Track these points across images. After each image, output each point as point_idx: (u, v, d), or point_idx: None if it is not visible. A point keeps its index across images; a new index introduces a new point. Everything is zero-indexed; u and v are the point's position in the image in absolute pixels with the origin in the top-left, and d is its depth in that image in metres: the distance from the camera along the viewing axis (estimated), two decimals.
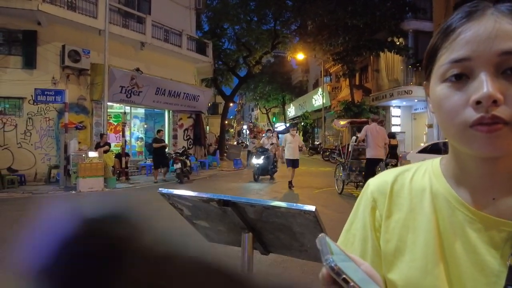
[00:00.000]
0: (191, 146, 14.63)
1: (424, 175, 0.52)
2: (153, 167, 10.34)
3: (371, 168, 6.57)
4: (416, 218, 0.49)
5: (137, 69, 11.24)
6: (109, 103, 10.25)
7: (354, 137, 7.62)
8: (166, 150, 10.35)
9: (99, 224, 0.12)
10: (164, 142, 10.27)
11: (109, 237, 0.13)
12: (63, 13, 9.82)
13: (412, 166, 0.55)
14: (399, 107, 15.23)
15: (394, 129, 14.73)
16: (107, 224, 0.12)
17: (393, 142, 9.92)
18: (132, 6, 12.48)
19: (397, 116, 15.35)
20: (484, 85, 0.39)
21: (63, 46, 10.00)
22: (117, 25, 11.26)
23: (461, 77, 0.42)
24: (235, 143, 24.33)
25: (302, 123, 26.35)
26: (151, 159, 12.64)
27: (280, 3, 17.96)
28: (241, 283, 0.13)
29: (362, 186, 6.04)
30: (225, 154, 18.96)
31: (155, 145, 9.86)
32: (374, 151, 6.57)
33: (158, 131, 10.57)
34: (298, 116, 28.19)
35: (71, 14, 10.03)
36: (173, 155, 10.01)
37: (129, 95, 11.37)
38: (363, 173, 7.05)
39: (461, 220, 0.46)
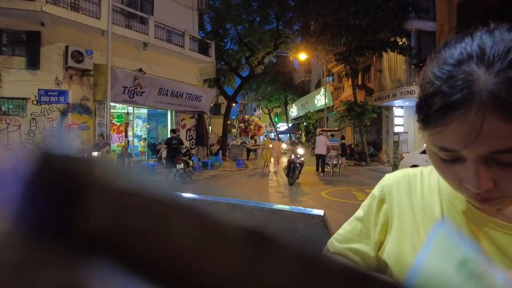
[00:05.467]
0: (194, 146, 14.65)
1: (435, 177, 0.54)
2: (163, 166, 10.24)
3: (320, 159, 11.70)
4: (425, 215, 0.51)
5: (140, 70, 11.26)
6: (112, 104, 10.28)
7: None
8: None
9: (57, 160, 0.12)
10: (178, 141, 9.96)
11: (69, 173, 0.13)
12: (66, 14, 9.86)
13: (426, 167, 0.57)
14: (402, 107, 15.17)
15: (396, 129, 14.69)
16: (65, 160, 0.12)
17: (342, 141, 15.88)
18: (135, 7, 12.51)
19: (400, 116, 15.30)
20: (474, 180, 0.39)
21: (66, 47, 10.04)
22: (120, 25, 11.29)
23: (453, 159, 0.41)
24: (239, 143, 24.33)
25: (305, 123, 26.31)
26: (154, 159, 12.67)
27: (282, 3, 17.94)
28: (204, 220, 0.13)
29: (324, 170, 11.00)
30: (228, 154, 18.97)
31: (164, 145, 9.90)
32: (320, 150, 11.63)
33: (172, 130, 10.57)
34: (301, 116, 28.16)
35: (74, 15, 10.07)
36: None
37: (132, 96, 11.39)
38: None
39: (467, 221, 0.47)
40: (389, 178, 0.58)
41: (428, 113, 0.39)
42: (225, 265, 0.12)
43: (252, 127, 31.79)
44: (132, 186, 0.13)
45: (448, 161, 0.41)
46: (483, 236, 0.46)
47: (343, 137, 15.65)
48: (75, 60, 10.13)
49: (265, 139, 16.96)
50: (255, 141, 25.77)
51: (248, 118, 34.45)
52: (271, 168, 13.18)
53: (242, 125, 32.89)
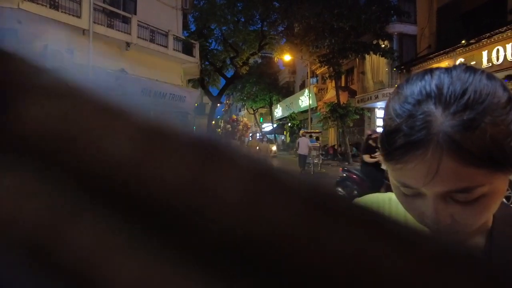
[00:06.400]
0: None
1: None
2: None
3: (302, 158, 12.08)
4: None
5: (122, 70, 11.09)
6: None
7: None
8: None
9: None
10: None
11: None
12: (45, 12, 9.60)
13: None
14: (383, 108, 15.46)
15: (378, 130, 14.95)
16: None
17: (318, 142, 15.79)
18: (117, 6, 12.30)
19: (381, 118, 15.46)
20: (433, 216, 0.40)
21: (45, 46, 9.77)
22: (101, 24, 11.08)
23: (415, 194, 0.42)
24: None
25: (289, 124, 26.47)
26: None
27: (267, 4, 17.98)
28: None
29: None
30: None
31: None
32: (303, 150, 12.05)
33: None
34: (285, 117, 28.30)
35: (53, 13, 9.82)
36: None
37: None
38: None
39: None
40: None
41: (389, 150, 0.41)
42: (170, 177, 0.10)
43: (240, 127, 30.81)
44: (66, 87, 0.11)
45: (409, 196, 0.43)
46: None
47: (317, 138, 15.89)
48: (54, 60, 9.87)
49: (251, 139, 15.41)
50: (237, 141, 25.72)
51: (236, 118, 33.19)
52: None
53: (229, 126, 31.30)
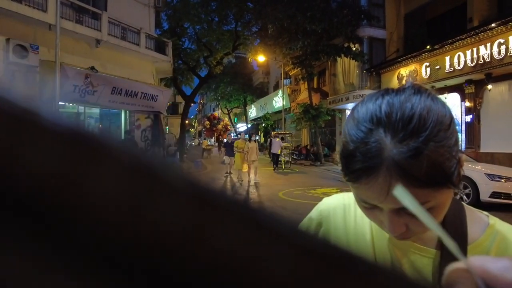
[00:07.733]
0: (149, 147, 14.25)
1: None
2: None
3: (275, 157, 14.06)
4: (358, 240, 0.58)
5: (92, 68, 10.74)
6: (61, 103, 9.70)
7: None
8: None
9: None
10: (131, 143, 9.77)
11: None
12: (6, 4, 9.09)
13: None
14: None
15: None
16: None
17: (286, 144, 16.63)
18: (86, 1, 11.88)
19: None
20: (389, 226, 0.46)
21: (7, 40, 9.29)
22: (70, 20, 10.66)
23: (373, 207, 0.47)
24: (197, 143, 24.50)
25: (263, 124, 26.64)
26: None
27: (241, 4, 18.00)
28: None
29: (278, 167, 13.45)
30: (185, 155, 18.68)
31: None
32: (275, 149, 13.77)
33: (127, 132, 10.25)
34: (260, 117, 28.45)
35: (15, 6, 9.31)
36: None
37: (83, 95, 10.82)
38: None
39: (392, 246, 0.55)
40: (326, 204, 0.64)
41: (346, 172, 0.46)
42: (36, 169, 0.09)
43: (220, 126, 29.84)
44: None
45: (369, 208, 0.48)
46: (404, 260, 0.54)
47: (282, 138, 15.83)
48: (17, 55, 9.39)
49: (239, 139, 11.45)
50: (208, 141, 25.70)
51: (218, 116, 32.27)
52: (244, 177, 10.03)
53: (208, 122, 29.79)
